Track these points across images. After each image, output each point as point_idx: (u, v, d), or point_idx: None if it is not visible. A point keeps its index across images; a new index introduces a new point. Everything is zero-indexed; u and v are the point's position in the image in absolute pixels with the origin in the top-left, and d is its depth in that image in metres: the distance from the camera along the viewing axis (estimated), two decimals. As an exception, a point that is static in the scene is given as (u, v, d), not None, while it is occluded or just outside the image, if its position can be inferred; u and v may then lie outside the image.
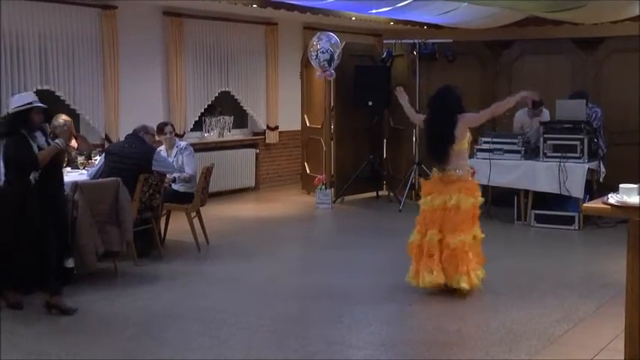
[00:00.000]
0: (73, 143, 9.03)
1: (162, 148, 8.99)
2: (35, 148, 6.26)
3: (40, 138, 6.39)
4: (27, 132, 6.26)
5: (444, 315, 6.34)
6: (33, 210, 6.27)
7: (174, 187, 8.87)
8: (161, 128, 9.05)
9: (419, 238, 6.86)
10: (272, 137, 13.54)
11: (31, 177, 6.20)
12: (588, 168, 9.74)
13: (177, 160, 8.90)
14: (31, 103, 6.32)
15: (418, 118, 7.44)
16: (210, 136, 12.77)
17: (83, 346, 5.60)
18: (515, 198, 10.27)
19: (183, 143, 9.20)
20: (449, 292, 6.75)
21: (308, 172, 12.91)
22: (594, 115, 10.42)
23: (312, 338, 5.79)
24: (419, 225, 6.93)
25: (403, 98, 7.50)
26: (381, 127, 12.79)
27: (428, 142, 7.10)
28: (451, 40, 11.77)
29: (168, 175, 8.64)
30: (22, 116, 6.28)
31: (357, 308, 6.54)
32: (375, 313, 6.41)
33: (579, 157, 9.77)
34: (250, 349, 5.59)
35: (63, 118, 9.18)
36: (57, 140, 6.44)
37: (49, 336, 5.81)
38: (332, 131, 12.25)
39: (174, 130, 9.37)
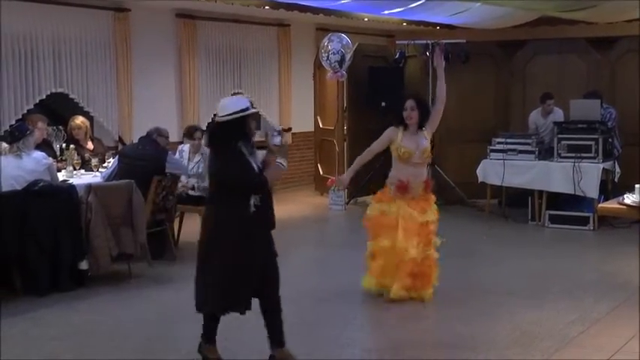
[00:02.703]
0: (89, 145, 9.09)
1: (185, 150, 9.00)
2: (253, 166, 5.13)
3: (256, 152, 5.23)
4: (244, 145, 5.10)
5: (457, 317, 6.32)
6: (252, 242, 5.11)
7: (190, 192, 8.84)
8: (191, 133, 9.03)
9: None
10: (285, 139, 13.54)
11: (251, 201, 5.05)
12: (603, 168, 9.69)
13: (198, 166, 8.86)
14: (247, 109, 5.13)
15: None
16: (224, 137, 12.77)
17: (98, 348, 5.61)
18: (530, 199, 10.24)
19: None
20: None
21: (321, 173, 12.91)
22: (609, 115, 10.38)
23: (324, 340, 5.79)
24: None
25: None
26: (395, 128, 12.76)
27: None
28: (464, 41, 11.73)
29: (186, 182, 8.67)
30: (239, 125, 5.08)
31: (369, 310, 6.54)
32: (388, 315, 6.39)
33: (594, 158, 9.72)
34: (263, 351, 5.58)
35: (81, 120, 9.26)
36: (279, 160, 5.36)
37: (63, 338, 5.83)
38: (345, 132, 12.24)
39: (202, 136, 9.32)
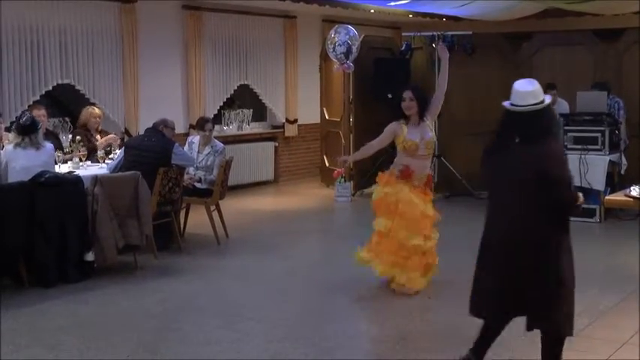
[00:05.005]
0: (98, 137, 9.10)
1: (195, 141, 9.00)
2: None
3: None
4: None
5: (463, 309, 6.29)
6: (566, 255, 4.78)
7: (197, 185, 8.84)
8: (202, 125, 9.03)
9: None
10: (291, 130, 13.54)
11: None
12: (609, 160, 9.67)
13: (206, 159, 8.86)
14: (543, 101, 4.42)
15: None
16: (229, 129, 12.80)
17: (104, 340, 5.62)
18: (536, 191, 10.20)
19: (221, 146, 9.06)
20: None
21: (327, 165, 12.90)
22: (617, 106, 10.35)
23: (331, 332, 5.79)
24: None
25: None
26: (401, 119, 12.74)
27: None
28: (470, 33, 11.70)
29: (193, 174, 8.66)
30: (547, 117, 4.43)
31: (376, 302, 6.53)
32: (395, 307, 6.39)
33: (600, 150, 9.70)
34: (269, 342, 5.59)
35: (99, 110, 9.30)
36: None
37: (70, 329, 5.84)
38: (351, 124, 12.23)
39: (213, 128, 9.33)
